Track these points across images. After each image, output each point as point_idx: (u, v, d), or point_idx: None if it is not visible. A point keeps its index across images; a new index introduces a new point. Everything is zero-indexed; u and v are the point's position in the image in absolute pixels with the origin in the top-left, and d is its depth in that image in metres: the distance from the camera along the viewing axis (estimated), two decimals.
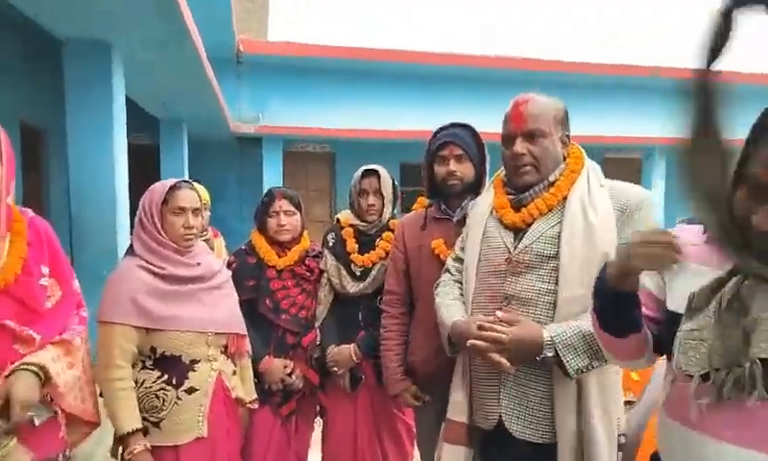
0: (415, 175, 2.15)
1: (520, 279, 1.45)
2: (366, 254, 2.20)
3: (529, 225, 1.47)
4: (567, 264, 1.38)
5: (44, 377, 1.30)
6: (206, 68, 5.43)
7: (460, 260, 1.70)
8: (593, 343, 1.28)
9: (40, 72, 5.19)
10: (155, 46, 4.52)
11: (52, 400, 1.37)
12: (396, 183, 2.30)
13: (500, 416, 1.48)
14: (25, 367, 1.28)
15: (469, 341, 1.39)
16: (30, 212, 1.46)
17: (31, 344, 1.33)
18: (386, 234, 2.21)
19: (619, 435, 1.44)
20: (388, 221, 2.25)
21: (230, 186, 10.08)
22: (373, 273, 2.18)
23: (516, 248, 1.47)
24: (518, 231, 1.49)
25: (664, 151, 11.28)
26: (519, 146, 1.47)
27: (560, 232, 1.41)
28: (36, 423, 1.34)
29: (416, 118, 9.86)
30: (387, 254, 2.17)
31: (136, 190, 4.45)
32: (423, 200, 2.09)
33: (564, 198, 1.44)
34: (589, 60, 10.94)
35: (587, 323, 1.30)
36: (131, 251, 1.77)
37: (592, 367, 1.33)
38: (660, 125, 11.53)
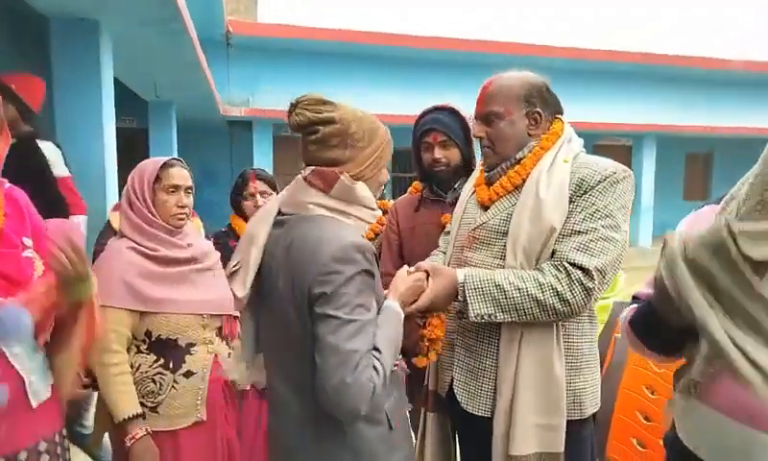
0: (406, 161, 2.13)
1: (476, 254, 1.46)
2: None
3: (494, 202, 1.47)
4: (513, 238, 1.37)
5: None
6: (197, 49, 5.34)
7: (448, 233, 1.72)
8: (504, 295, 1.29)
9: (25, 50, 5.06)
10: (144, 25, 4.42)
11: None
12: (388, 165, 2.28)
13: (452, 383, 1.50)
14: None
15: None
16: (5, 182, 1.38)
17: None
18: (379, 217, 2.20)
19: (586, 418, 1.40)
20: (381, 202, 2.23)
21: (221, 171, 10.00)
22: None
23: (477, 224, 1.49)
24: (488, 208, 1.49)
25: (654, 137, 11.36)
26: (477, 128, 1.49)
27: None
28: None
29: (407, 103, 9.80)
30: (377, 235, 2.16)
31: (124, 174, 4.40)
32: (418, 184, 2.09)
33: (529, 175, 1.42)
34: (580, 45, 10.91)
35: (505, 275, 1.31)
36: (110, 232, 1.72)
37: (496, 318, 1.30)
38: (650, 111, 11.60)
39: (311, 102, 1.18)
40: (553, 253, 1.33)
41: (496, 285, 1.30)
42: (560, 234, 1.33)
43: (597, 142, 11.38)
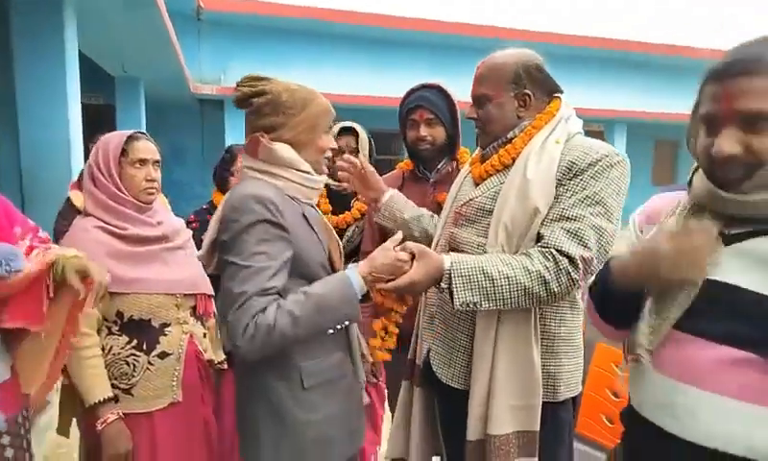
0: (386, 143, 2.12)
1: (462, 230, 1.46)
2: (341, 215, 2.17)
3: (485, 180, 1.47)
4: (496, 217, 1.35)
5: None
6: (166, 21, 5.17)
7: None
8: (492, 284, 1.26)
9: None
10: None
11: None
12: (372, 141, 2.26)
13: (428, 353, 1.52)
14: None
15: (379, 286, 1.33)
16: None
17: None
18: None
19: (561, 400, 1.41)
20: None
21: (192, 150, 9.78)
22: (348, 234, 2.15)
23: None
24: (478, 186, 1.49)
25: (625, 123, 11.57)
26: (469, 110, 1.49)
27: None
28: None
29: (385, 84, 9.74)
30: (362, 215, 2.14)
31: (89, 153, 4.25)
32: (408, 162, 2.07)
33: (519, 154, 1.40)
34: (555, 30, 11.00)
35: (492, 261, 1.28)
36: (71, 211, 1.66)
37: (481, 306, 1.28)
38: (622, 98, 11.79)
39: (247, 79, 1.32)
40: (539, 236, 1.31)
41: (484, 273, 1.27)
42: (548, 218, 1.31)
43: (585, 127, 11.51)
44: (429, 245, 1.51)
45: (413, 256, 1.29)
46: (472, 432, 1.38)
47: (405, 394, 1.65)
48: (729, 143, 0.88)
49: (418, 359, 1.61)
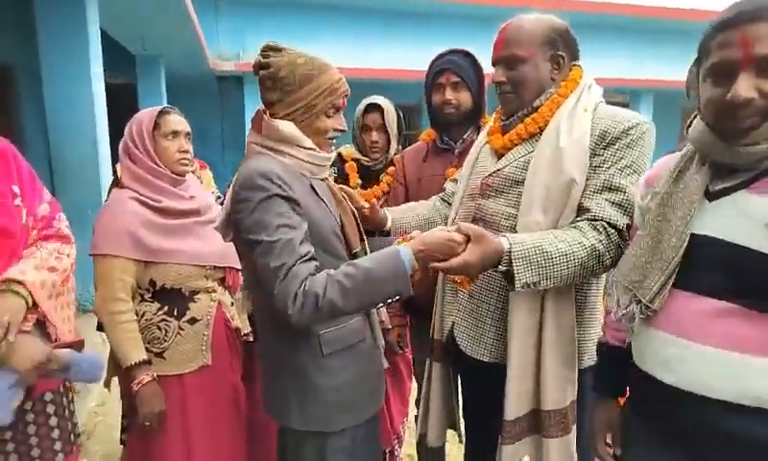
0: (409, 117, 2.11)
1: (489, 202, 1.43)
2: (370, 189, 2.18)
3: (510, 150, 1.44)
4: (529, 189, 1.33)
5: (28, 295, 1.28)
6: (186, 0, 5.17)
7: (455, 181, 1.71)
8: (550, 263, 1.24)
9: (4, 2, 4.88)
10: None
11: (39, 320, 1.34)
12: (401, 114, 2.24)
13: (452, 328, 1.51)
14: (7, 286, 1.25)
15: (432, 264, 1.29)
16: None
17: None
18: (391, 169, 2.18)
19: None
20: (393, 156, 2.21)
21: (212, 129, 9.84)
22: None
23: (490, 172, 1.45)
24: (502, 157, 1.45)
25: (651, 93, 11.26)
26: (497, 73, 1.42)
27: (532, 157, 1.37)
28: (17, 332, 1.27)
29: (408, 57, 9.58)
30: (387, 192, 2.15)
31: (114, 131, 4.32)
32: (431, 131, 2.04)
33: (548, 123, 1.37)
34: None
35: (548, 239, 1.26)
36: (117, 184, 1.72)
37: (540, 285, 1.26)
38: (647, 67, 11.46)
39: (265, 48, 1.30)
40: (583, 208, 1.30)
41: (543, 253, 1.24)
42: (589, 189, 1.30)
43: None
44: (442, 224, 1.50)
45: (468, 239, 1.24)
46: (515, 409, 1.37)
47: (427, 371, 1.67)
48: (745, 88, 0.89)
49: (437, 334, 1.60)
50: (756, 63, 0.89)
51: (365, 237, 1.44)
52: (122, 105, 7.49)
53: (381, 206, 2.13)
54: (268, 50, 1.29)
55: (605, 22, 11.07)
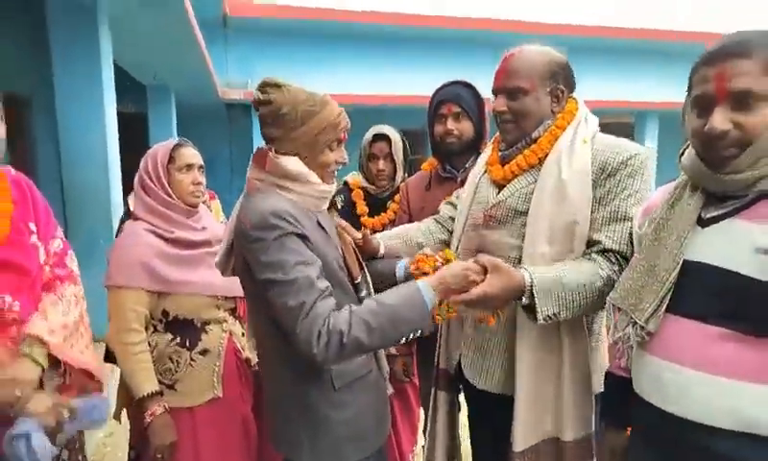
0: (414, 142, 2.13)
1: (493, 233, 1.45)
2: (376, 217, 2.20)
3: (510, 181, 1.46)
4: (534, 220, 1.35)
5: (46, 358, 1.30)
6: (196, 31, 5.29)
7: (451, 203, 1.72)
8: (570, 294, 1.26)
9: (23, 37, 5.01)
10: (143, 7, 4.38)
11: (57, 362, 1.35)
12: (407, 144, 2.26)
13: (460, 360, 1.52)
14: (29, 348, 1.28)
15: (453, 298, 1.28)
16: (11, 170, 1.41)
17: (11, 325, 1.29)
18: (398, 197, 2.20)
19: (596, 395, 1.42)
20: (400, 184, 2.23)
21: (220, 156, 9.96)
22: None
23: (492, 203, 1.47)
24: (502, 187, 1.47)
25: (656, 114, 11.30)
26: (498, 103, 1.44)
27: (534, 189, 1.39)
28: (47, 390, 1.33)
29: (413, 83, 9.71)
30: (393, 221, 2.17)
31: (125, 159, 4.39)
32: (433, 160, 2.08)
33: (547, 155, 1.39)
34: (580, 22, 10.82)
35: (566, 272, 1.27)
36: (130, 216, 1.75)
37: (560, 317, 1.27)
38: (652, 89, 11.52)
39: (263, 84, 1.28)
40: (593, 241, 1.31)
41: (563, 285, 1.25)
42: (598, 221, 1.31)
43: (599, 120, 11.32)
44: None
45: (485, 270, 1.25)
46: (523, 440, 1.37)
47: (432, 400, 1.67)
48: (720, 120, 0.95)
49: (443, 364, 1.61)
50: (731, 98, 0.94)
51: (364, 266, 1.45)
52: (133, 134, 7.61)
53: None
54: (267, 86, 1.27)
55: (612, 45, 11.19)
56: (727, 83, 0.94)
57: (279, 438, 1.37)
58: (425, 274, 1.35)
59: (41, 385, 1.33)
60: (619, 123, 12.35)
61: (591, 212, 1.32)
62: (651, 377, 1.06)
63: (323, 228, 1.30)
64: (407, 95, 9.27)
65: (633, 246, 1.28)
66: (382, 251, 1.65)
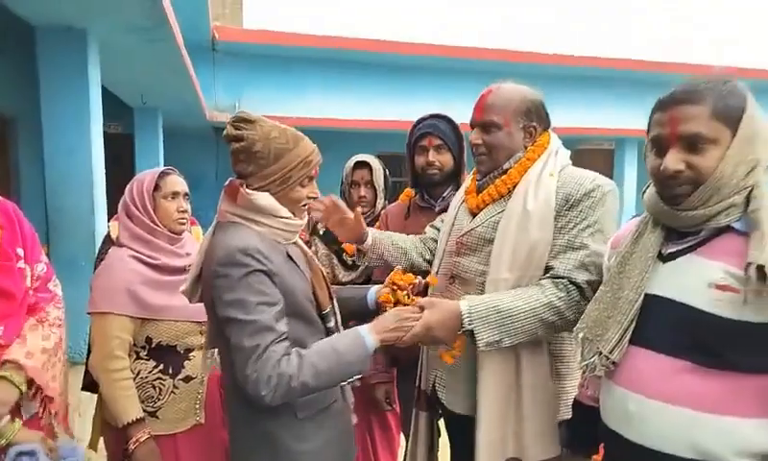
0: (393, 165, 2.20)
1: (464, 259, 1.52)
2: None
3: (482, 209, 1.53)
4: (498, 247, 1.42)
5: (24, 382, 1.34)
6: (184, 55, 5.35)
7: (435, 227, 1.82)
8: (510, 320, 1.32)
9: (9, 57, 5.03)
10: (131, 33, 4.43)
11: (35, 392, 1.38)
12: (387, 172, 2.32)
13: (434, 382, 1.57)
14: (9, 372, 1.31)
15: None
16: None
17: None
18: (378, 224, 2.24)
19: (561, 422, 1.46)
20: (381, 211, 2.27)
21: (207, 177, 9.94)
22: (365, 262, 2.21)
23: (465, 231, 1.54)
24: (476, 215, 1.54)
25: (635, 141, 11.57)
26: (474, 136, 1.53)
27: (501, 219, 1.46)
28: (24, 417, 1.37)
29: (394, 108, 9.88)
30: None
31: (110, 181, 4.39)
32: (410, 191, 2.13)
33: (516, 185, 1.47)
34: (563, 51, 11.10)
35: (507, 299, 1.34)
36: (110, 242, 1.76)
37: (504, 343, 1.33)
38: (632, 116, 11.82)
39: (236, 119, 1.30)
40: (549, 268, 1.38)
41: (499, 311, 1.32)
42: (554, 249, 1.38)
43: (580, 146, 11.58)
44: (420, 274, 1.59)
45: (422, 309, 1.34)
46: (486, 460, 1.41)
47: (414, 421, 1.71)
48: (673, 161, 1.02)
49: (423, 384, 1.66)
50: (682, 140, 1.01)
51: (333, 297, 1.48)
52: (119, 154, 7.62)
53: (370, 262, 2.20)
54: (240, 122, 1.28)
55: (591, 74, 11.47)
56: (678, 127, 1.02)
57: None
58: (398, 301, 1.45)
59: (19, 410, 1.35)
60: (599, 150, 12.63)
61: (553, 240, 1.39)
62: (616, 407, 1.10)
63: (292, 260, 1.33)
64: (394, 120, 9.39)
65: (587, 273, 1.35)
66: (369, 241, 1.73)
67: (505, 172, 1.50)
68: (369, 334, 1.27)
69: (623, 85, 11.81)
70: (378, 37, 10.31)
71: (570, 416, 1.41)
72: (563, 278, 1.35)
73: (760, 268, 0.91)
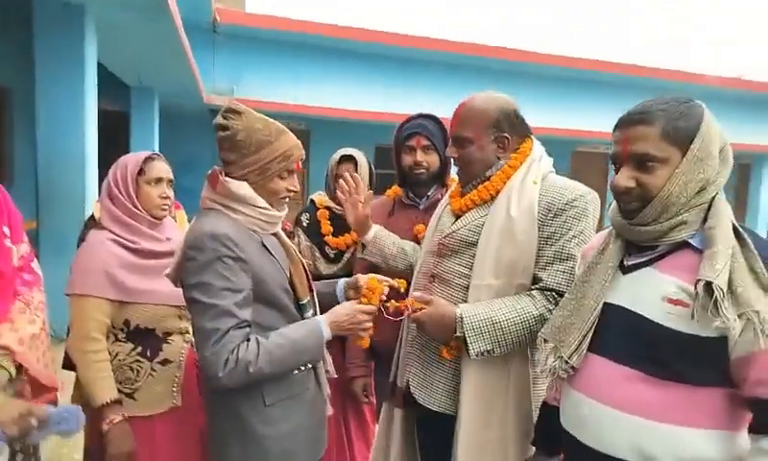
0: (390, 158, 2.21)
1: (445, 260, 1.55)
2: (340, 237, 2.25)
3: (465, 213, 1.56)
4: (482, 252, 1.46)
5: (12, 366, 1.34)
6: (182, 36, 5.33)
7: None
8: (501, 332, 1.38)
9: (7, 31, 4.99)
10: (129, 10, 4.41)
11: (20, 367, 1.39)
12: (373, 167, 2.34)
13: (408, 379, 1.60)
14: None
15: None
16: None
17: None
18: None
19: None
20: None
21: (203, 160, 9.90)
22: (347, 256, 2.24)
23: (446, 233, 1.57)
24: (458, 218, 1.58)
25: None
26: (450, 149, 1.59)
27: (485, 223, 1.49)
28: (10, 393, 1.37)
29: (393, 101, 9.87)
30: (355, 242, 2.22)
31: (105, 157, 4.39)
32: (397, 189, 2.14)
33: (499, 191, 1.50)
34: (563, 53, 11.10)
35: (501, 310, 1.39)
36: (93, 223, 1.76)
37: (494, 353, 1.40)
38: None
39: (226, 110, 1.37)
40: (537, 278, 1.42)
41: (494, 323, 1.37)
42: (542, 259, 1.42)
43: (576, 149, 11.62)
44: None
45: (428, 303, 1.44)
46: (467, 458, 1.44)
47: (385, 414, 1.73)
48: (624, 178, 1.09)
49: (399, 382, 1.69)
50: (633, 159, 1.07)
51: (313, 288, 1.52)
52: (115, 132, 7.59)
53: (352, 255, 2.22)
54: (229, 112, 1.35)
55: (590, 78, 11.49)
56: (629, 146, 1.07)
57: (213, 448, 1.43)
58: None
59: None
60: (595, 152, 12.68)
61: (538, 250, 1.42)
62: (572, 410, 1.15)
63: (267, 249, 1.36)
64: (393, 113, 9.40)
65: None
66: (371, 235, 1.78)
67: (488, 178, 1.53)
68: (324, 324, 1.35)
69: (620, 90, 11.84)
70: (378, 28, 10.26)
71: (538, 416, 1.44)
72: (552, 289, 1.39)
73: (707, 285, 0.95)
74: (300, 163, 1.41)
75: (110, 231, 1.67)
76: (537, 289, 1.41)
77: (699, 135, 1.03)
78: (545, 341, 1.22)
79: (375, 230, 1.79)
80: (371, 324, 1.40)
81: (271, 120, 1.38)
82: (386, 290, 1.46)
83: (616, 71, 11.48)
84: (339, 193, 1.84)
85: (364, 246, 1.81)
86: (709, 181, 1.04)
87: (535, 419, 1.49)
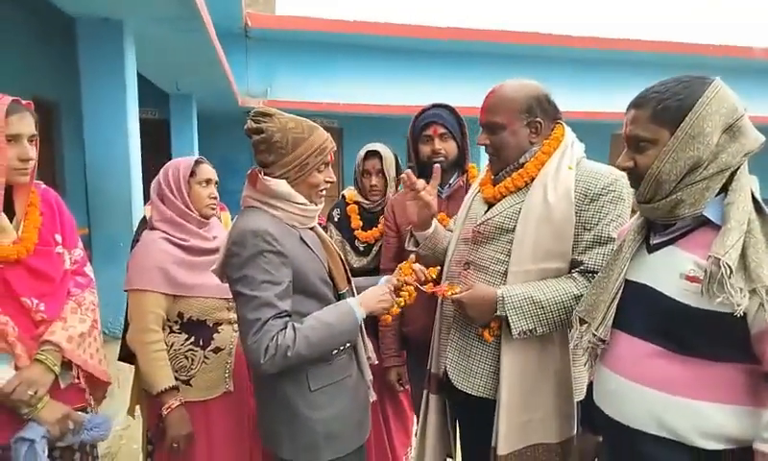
0: None
1: (480, 248, 1.57)
2: (369, 231, 2.32)
3: (499, 201, 1.57)
4: (520, 238, 1.47)
5: (59, 365, 1.45)
6: (216, 45, 5.49)
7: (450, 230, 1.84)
8: (542, 311, 1.40)
9: (53, 47, 5.26)
10: (164, 23, 4.59)
11: (70, 364, 1.50)
12: (400, 160, 2.38)
13: (446, 365, 1.63)
14: (45, 353, 1.43)
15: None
16: (41, 184, 1.56)
17: (38, 324, 1.45)
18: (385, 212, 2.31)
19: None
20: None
21: (240, 162, 10.13)
22: (376, 249, 2.30)
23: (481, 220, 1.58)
24: (491, 206, 1.58)
25: None
26: (481, 137, 1.58)
27: (521, 209, 1.50)
28: (62, 385, 1.49)
29: (424, 93, 9.81)
30: (382, 235, 2.27)
31: (147, 164, 4.58)
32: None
33: (533, 178, 1.50)
34: (597, 34, 10.82)
35: (542, 290, 1.41)
36: (146, 224, 1.88)
37: (536, 332, 1.42)
38: None
39: (255, 114, 1.43)
40: (577, 262, 1.44)
41: (534, 302, 1.40)
42: (581, 243, 1.44)
43: (615, 131, 11.30)
44: None
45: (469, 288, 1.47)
46: (507, 444, 1.45)
47: (424, 402, 1.77)
48: (623, 159, 1.16)
49: (434, 368, 1.72)
50: (630, 141, 1.12)
51: (351, 279, 1.58)
52: (156, 139, 7.89)
53: (380, 248, 2.25)
54: (259, 116, 1.41)
55: (624, 58, 11.15)
56: (627, 128, 1.14)
57: (264, 431, 1.51)
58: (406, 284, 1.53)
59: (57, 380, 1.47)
60: None
61: (576, 235, 1.44)
62: (601, 386, 1.20)
63: (306, 244, 1.44)
64: (420, 105, 9.40)
65: None
66: (431, 229, 1.70)
67: (522, 166, 1.54)
68: (358, 306, 1.42)
69: (657, 69, 11.45)
70: (411, 23, 10.25)
71: (584, 396, 1.46)
72: (593, 271, 1.40)
73: (717, 261, 0.97)
74: (332, 155, 1.48)
75: (162, 231, 1.78)
76: (578, 271, 1.43)
77: (691, 114, 1.04)
78: (582, 320, 1.24)
79: (435, 226, 1.75)
80: (401, 298, 1.48)
81: (300, 118, 1.44)
82: (420, 275, 1.52)
83: (653, 50, 11.11)
84: (399, 195, 1.82)
85: (417, 243, 1.75)
86: (703, 158, 1.04)
87: (577, 397, 1.51)
